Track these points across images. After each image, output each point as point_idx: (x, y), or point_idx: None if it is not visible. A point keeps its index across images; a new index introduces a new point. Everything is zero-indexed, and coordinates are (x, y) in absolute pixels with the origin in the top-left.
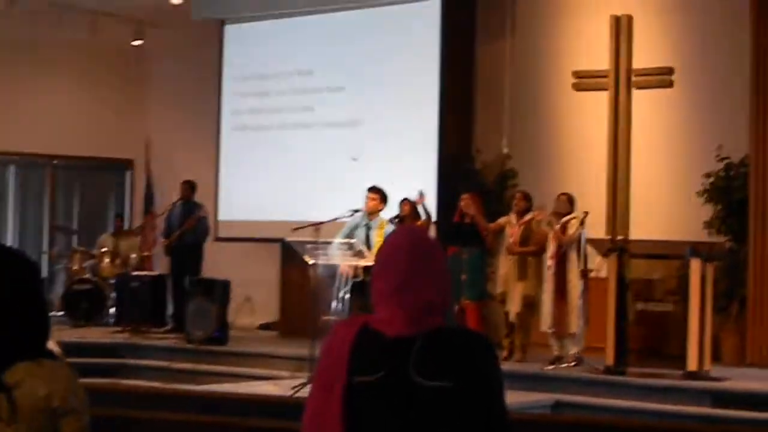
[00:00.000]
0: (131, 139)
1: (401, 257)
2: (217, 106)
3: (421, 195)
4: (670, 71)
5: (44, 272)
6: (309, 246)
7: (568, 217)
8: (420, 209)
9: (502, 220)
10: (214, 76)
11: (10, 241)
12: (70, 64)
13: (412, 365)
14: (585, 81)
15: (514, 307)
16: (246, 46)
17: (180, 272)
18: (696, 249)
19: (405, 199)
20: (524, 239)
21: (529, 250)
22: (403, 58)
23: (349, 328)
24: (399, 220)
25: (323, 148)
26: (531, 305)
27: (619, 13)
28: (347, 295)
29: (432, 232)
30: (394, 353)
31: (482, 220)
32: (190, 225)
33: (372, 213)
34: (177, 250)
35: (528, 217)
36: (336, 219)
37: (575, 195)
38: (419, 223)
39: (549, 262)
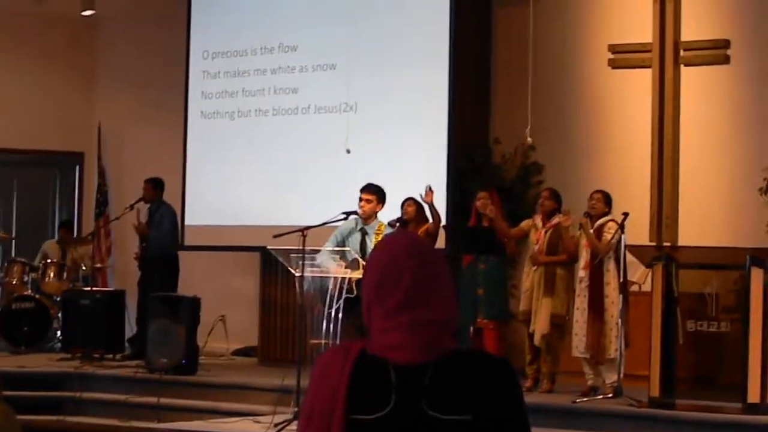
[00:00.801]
0: (80, 128)
1: (405, 267)
2: (183, 89)
3: (429, 192)
4: (725, 44)
5: None
6: (294, 255)
7: (603, 219)
8: (427, 210)
9: (525, 223)
10: (179, 51)
11: None
12: (5, 38)
13: (425, 397)
14: (624, 57)
15: (539, 327)
16: (217, 15)
17: (148, 289)
18: (758, 257)
19: (409, 199)
20: (552, 247)
21: (559, 260)
22: (406, 29)
23: (346, 354)
24: (402, 223)
25: (310, 139)
26: (560, 325)
27: None
28: (340, 314)
29: (441, 237)
30: (403, 384)
31: (502, 223)
32: (139, 232)
33: (368, 216)
34: (144, 262)
35: (554, 220)
36: (326, 223)
37: (612, 193)
38: (426, 226)
39: (581, 273)
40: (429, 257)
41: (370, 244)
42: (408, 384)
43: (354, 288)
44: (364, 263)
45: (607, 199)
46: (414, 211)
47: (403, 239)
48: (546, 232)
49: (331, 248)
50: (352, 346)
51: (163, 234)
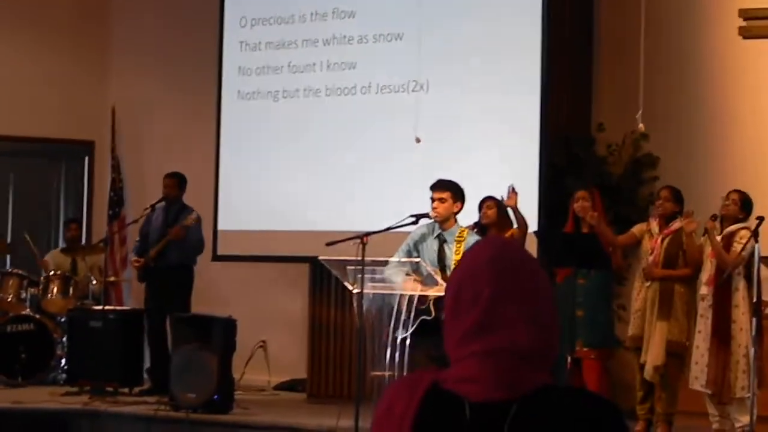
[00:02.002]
0: (90, 112)
1: (481, 281)
2: (216, 64)
3: (513, 192)
4: None
5: None
6: (351, 267)
7: (736, 226)
8: (511, 213)
9: (637, 229)
10: (211, 21)
11: None
12: (5, 12)
13: None
14: (758, 24)
15: (653, 357)
16: None
17: (161, 306)
18: None
19: (489, 199)
20: (670, 258)
21: (679, 274)
22: None
23: (413, 389)
24: (479, 229)
25: (372, 125)
26: (679, 355)
27: None
28: (409, 340)
29: (531, 247)
30: (479, 425)
31: (607, 230)
32: (173, 237)
33: (444, 219)
34: (155, 275)
35: (674, 225)
36: (390, 228)
37: (750, 194)
38: (510, 232)
39: (704, 290)
40: (519, 268)
41: (450, 253)
42: (485, 426)
43: (432, 309)
44: (441, 278)
45: (745, 203)
46: (495, 213)
47: (488, 245)
48: (663, 240)
49: (399, 259)
50: (422, 377)
51: (195, 243)
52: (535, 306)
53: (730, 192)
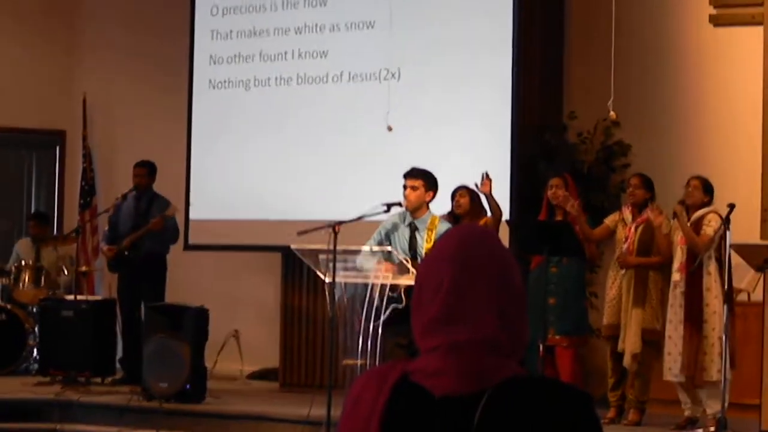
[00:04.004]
0: (60, 101)
1: (445, 270)
2: (187, 53)
3: (487, 179)
4: None
5: None
6: (323, 256)
7: (702, 210)
8: (485, 201)
9: (610, 219)
10: (182, 8)
11: None
12: None
13: None
14: (729, 12)
15: (630, 345)
16: None
17: (132, 296)
18: None
19: (462, 188)
20: (644, 246)
21: (653, 262)
22: None
23: (381, 382)
24: (452, 218)
25: (343, 113)
26: (655, 343)
27: None
28: (380, 329)
29: (504, 235)
30: (448, 419)
31: (582, 216)
32: (153, 228)
33: (415, 207)
34: (128, 264)
35: (647, 214)
36: (362, 217)
37: (715, 179)
38: (483, 221)
39: (675, 276)
40: (484, 257)
41: (421, 242)
42: (455, 419)
43: (403, 297)
44: (413, 266)
45: (706, 188)
46: (468, 202)
47: (454, 236)
48: (636, 228)
49: (371, 248)
50: (391, 369)
51: (172, 233)
52: (500, 296)
53: (690, 179)
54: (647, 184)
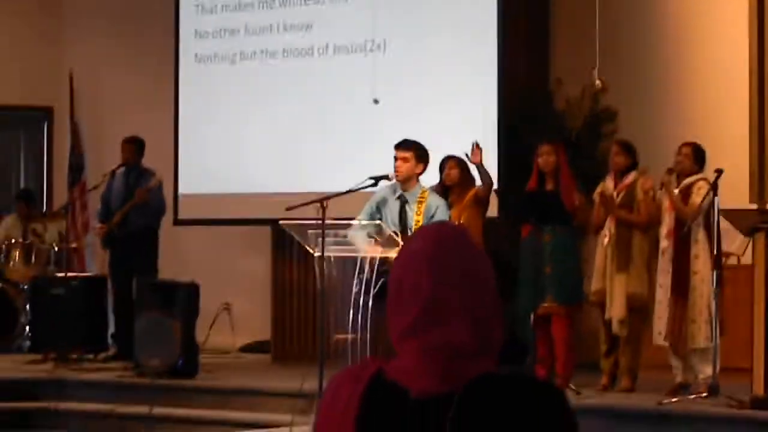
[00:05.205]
0: (47, 77)
1: (420, 272)
2: (173, 27)
3: (477, 148)
4: None
5: None
6: (313, 231)
7: (692, 178)
8: (474, 171)
9: (596, 195)
10: None
11: None
12: None
13: None
14: None
15: (617, 312)
16: None
17: (125, 272)
18: None
19: (451, 158)
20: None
21: (635, 220)
22: None
23: (356, 380)
24: (442, 189)
25: (329, 87)
26: (641, 309)
27: None
28: (371, 302)
29: (493, 204)
30: (421, 418)
31: (572, 184)
32: (139, 200)
33: (406, 179)
34: (119, 240)
35: (629, 178)
36: (351, 190)
37: (704, 146)
38: (474, 191)
39: (664, 243)
40: (457, 259)
41: (411, 214)
42: (428, 418)
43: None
44: (402, 239)
45: (698, 155)
46: (458, 174)
47: (425, 238)
48: (618, 194)
49: (361, 221)
50: (366, 367)
51: (158, 205)
52: (474, 298)
53: (681, 145)
54: (628, 149)
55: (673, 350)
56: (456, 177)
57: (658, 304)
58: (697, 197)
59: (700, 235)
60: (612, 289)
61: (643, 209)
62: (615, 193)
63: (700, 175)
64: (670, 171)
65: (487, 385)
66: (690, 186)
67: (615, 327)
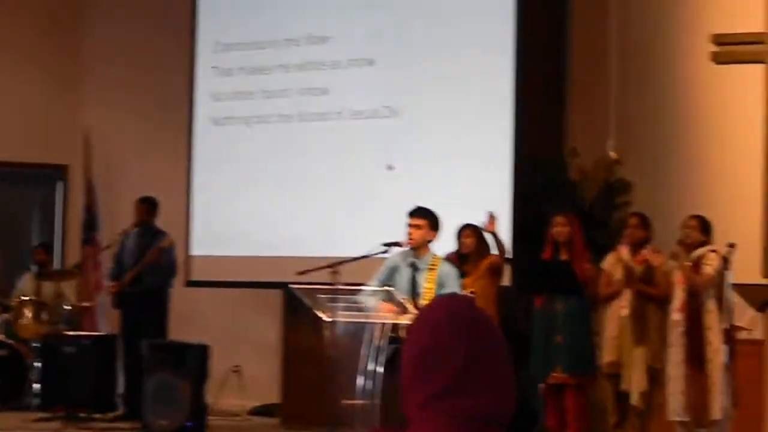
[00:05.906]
0: (63, 136)
1: (452, 338)
2: (188, 89)
3: (492, 219)
4: None
5: None
6: (324, 296)
7: (702, 249)
8: (490, 240)
9: (607, 264)
10: (184, 45)
11: None
12: None
13: None
14: (730, 49)
15: (636, 384)
16: (231, 1)
17: (135, 332)
18: None
19: (467, 227)
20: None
21: (654, 293)
22: (460, 16)
23: None
24: (460, 257)
25: (343, 151)
26: (658, 380)
27: None
28: (380, 368)
29: (506, 273)
30: None
31: (586, 254)
32: (150, 261)
33: (418, 246)
34: (131, 300)
35: (644, 254)
36: (363, 257)
37: (717, 218)
38: (490, 260)
39: (676, 316)
40: (485, 333)
41: (422, 282)
42: None
43: (401, 336)
44: (414, 306)
45: (704, 227)
46: (473, 242)
47: (449, 308)
48: (638, 265)
49: (372, 287)
50: None
51: (169, 266)
52: (498, 367)
53: (687, 219)
54: (645, 223)
55: (696, 423)
56: (472, 245)
57: (673, 380)
58: (708, 267)
59: (712, 307)
60: (631, 362)
61: (663, 283)
62: (635, 264)
63: (709, 247)
64: (680, 243)
65: None
66: (701, 257)
67: (635, 399)
